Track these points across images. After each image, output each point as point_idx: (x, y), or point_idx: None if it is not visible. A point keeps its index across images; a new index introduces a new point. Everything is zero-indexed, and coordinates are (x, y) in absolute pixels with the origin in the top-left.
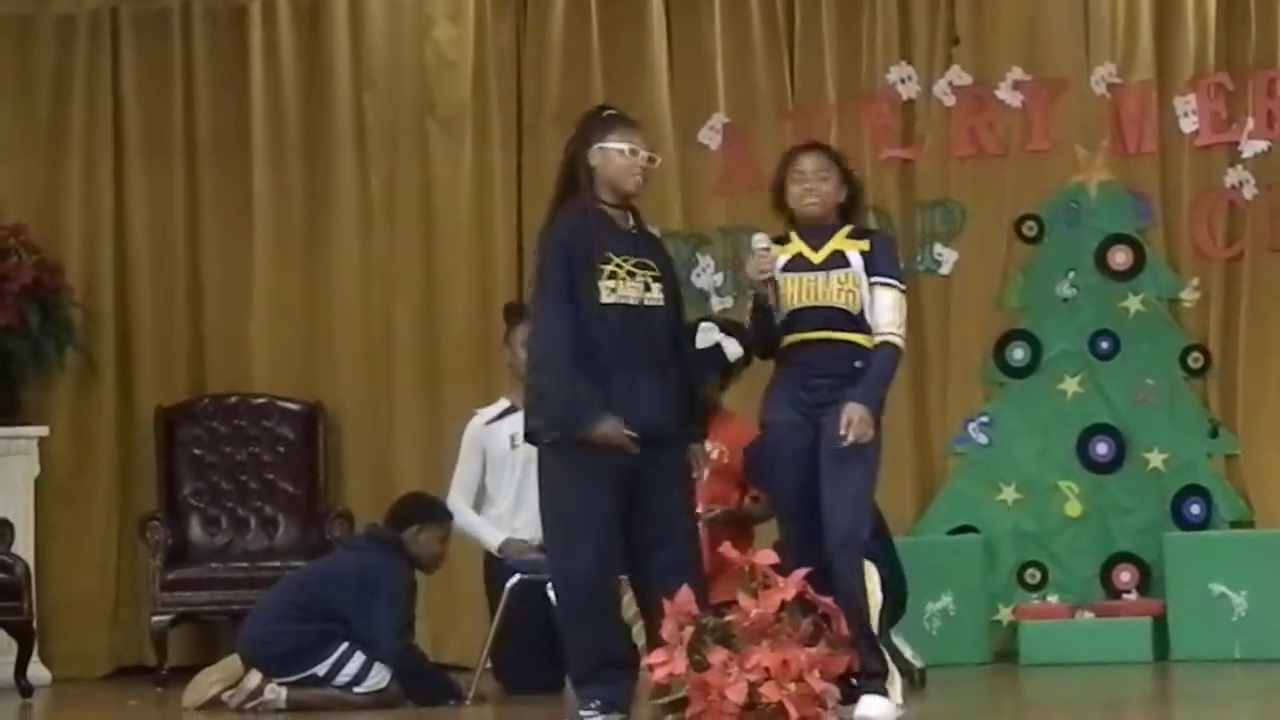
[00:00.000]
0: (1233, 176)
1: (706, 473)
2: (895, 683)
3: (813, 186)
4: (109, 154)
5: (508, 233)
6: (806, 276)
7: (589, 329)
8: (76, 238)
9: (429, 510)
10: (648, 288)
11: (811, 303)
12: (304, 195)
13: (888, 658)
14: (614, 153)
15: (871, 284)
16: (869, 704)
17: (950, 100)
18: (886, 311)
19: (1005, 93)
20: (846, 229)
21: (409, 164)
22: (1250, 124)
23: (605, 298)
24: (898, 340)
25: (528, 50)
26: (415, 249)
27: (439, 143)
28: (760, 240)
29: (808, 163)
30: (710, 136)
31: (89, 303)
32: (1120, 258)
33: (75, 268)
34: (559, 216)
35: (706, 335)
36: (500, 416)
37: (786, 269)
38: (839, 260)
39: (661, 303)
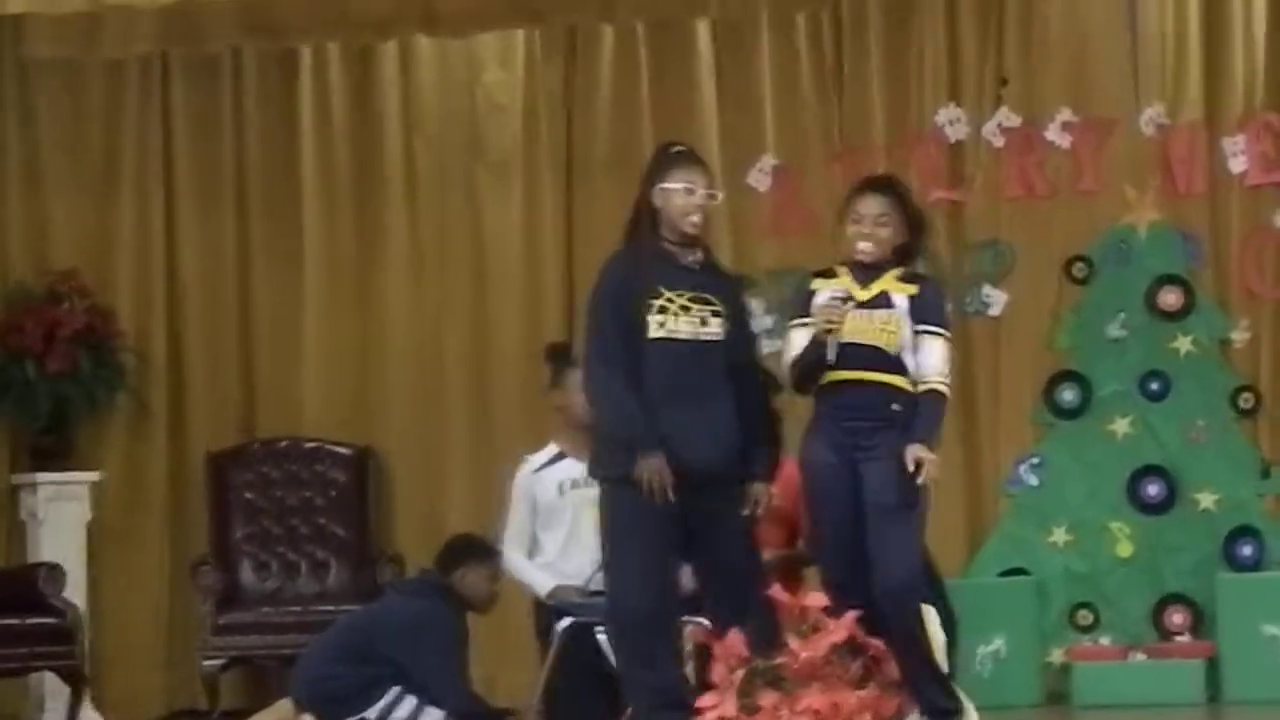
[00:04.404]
0: None
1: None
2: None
3: (870, 233)
4: (160, 199)
5: (558, 276)
6: (850, 313)
7: (638, 364)
8: (128, 282)
9: (473, 551)
10: (705, 322)
11: (851, 339)
12: (354, 239)
13: (962, 696)
14: (673, 192)
15: (920, 331)
16: None
17: (999, 141)
18: (935, 361)
19: (1054, 134)
20: (897, 271)
21: (459, 208)
22: None
23: (653, 332)
24: (944, 389)
25: (577, 94)
26: (465, 293)
27: (489, 187)
28: (836, 291)
29: (869, 206)
30: (759, 178)
31: (140, 347)
32: (1170, 298)
33: (127, 312)
34: (613, 258)
35: None
36: (549, 463)
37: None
38: (884, 300)
39: (721, 336)
